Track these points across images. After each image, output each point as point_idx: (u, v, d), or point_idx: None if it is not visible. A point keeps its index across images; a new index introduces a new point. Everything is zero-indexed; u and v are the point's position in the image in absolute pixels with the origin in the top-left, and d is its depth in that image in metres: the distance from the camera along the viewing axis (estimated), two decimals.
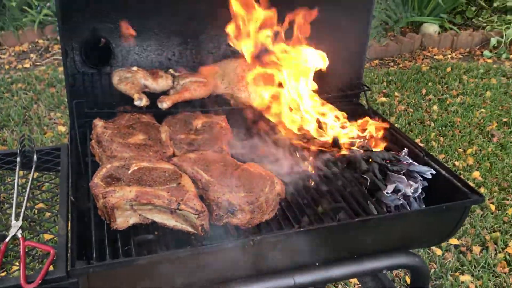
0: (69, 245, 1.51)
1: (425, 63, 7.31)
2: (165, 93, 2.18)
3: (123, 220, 1.52)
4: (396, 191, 1.82)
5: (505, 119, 5.60)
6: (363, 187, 1.83)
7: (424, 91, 6.24)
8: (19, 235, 1.53)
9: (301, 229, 1.53)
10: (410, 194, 1.82)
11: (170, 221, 1.53)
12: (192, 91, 2.07)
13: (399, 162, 1.97)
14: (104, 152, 1.76)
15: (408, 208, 1.82)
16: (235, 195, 1.54)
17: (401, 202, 1.80)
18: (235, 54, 2.50)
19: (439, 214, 1.76)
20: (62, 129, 4.97)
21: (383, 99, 5.97)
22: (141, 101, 1.96)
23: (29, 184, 1.79)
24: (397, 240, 1.80)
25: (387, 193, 1.79)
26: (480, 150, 4.97)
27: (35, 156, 1.91)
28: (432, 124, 5.45)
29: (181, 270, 1.49)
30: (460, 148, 5.00)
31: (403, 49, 7.64)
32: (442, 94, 6.22)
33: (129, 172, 1.59)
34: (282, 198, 1.67)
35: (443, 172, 1.92)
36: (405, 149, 2.06)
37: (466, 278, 3.38)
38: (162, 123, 2.01)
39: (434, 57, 7.59)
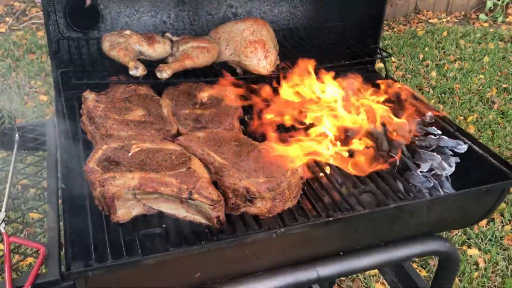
0: (61, 241, 1.30)
1: (420, 27, 7.08)
2: (163, 60, 1.94)
3: (125, 211, 1.30)
4: (428, 170, 1.64)
5: (504, 85, 5.45)
6: (391, 166, 1.64)
7: (421, 56, 6.04)
8: (2, 230, 1.31)
9: (331, 219, 1.34)
10: (444, 174, 1.63)
11: (179, 212, 1.32)
12: (194, 58, 1.83)
13: (427, 135, 1.78)
14: (98, 130, 1.53)
15: (440, 189, 1.64)
16: (253, 181, 1.33)
17: (432, 184, 1.61)
18: (237, 17, 2.26)
19: (476, 196, 1.58)
20: (44, 98, 4.66)
21: (380, 65, 5.74)
22: (138, 70, 1.72)
23: (11, 167, 1.55)
24: (428, 225, 1.63)
25: (421, 172, 1.60)
26: (481, 117, 4.82)
27: (16, 135, 1.67)
28: (431, 91, 5.27)
29: (194, 268, 1.29)
30: (460, 116, 4.84)
31: (398, 12, 7.39)
32: (440, 60, 6.03)
33: (130, 154, 1.37)
34: (304, 181, 1.47)
35: (476, 149, 1.73)
36: (429, 113, 1.85)
37: (473, 252, 3.26)
38: (162, 95, 1.76)
39: (429, 20, 7.36)
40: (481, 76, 5.64)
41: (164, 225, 1.33)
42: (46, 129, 1.77)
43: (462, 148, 1.73)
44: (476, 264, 3.17)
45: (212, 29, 2.09)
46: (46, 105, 4.54)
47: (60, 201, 1.40)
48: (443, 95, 5.21)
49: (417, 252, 1.63)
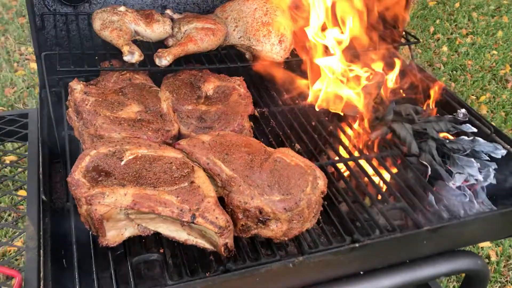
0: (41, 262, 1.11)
1: None
2: (161, 42, 1.70)
3: (116, 233, 1.10)
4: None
5: None
6: (422, 175, 1.44)
7: (432, 29, 5.75)
8: None
9: (357, 245, 1.15)
10: (481, 184, 1.44)
11: (180, 234, 1.12)
12: (198, 42, 1.59)
13: (459, 135, 1.59)
14: (86, 127, 1.31)
15: (475, 201, 1.45)
16: (268, 199, 1.12)
17: (467, 199, 1.41)
18: None
19: None
20: (36, 66, 4.39)
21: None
22: (133, 56, 1.49)
23: None
24: (460, 242, 1.45)
25: (453, 184, 1.40)
26: (494, 97, 4.60)
27: None
28: (442, 68, 5.02)
29: None
30: (472, 95, 4.62)
31: None
32: (451, 33, 5.74)
33: (123, 163, 1.16)
34: (325, 195, 1.27)
35: None
36: (462, 110, 1.66)
37: (485, 244, 3.11)
38: (161, 86, 1.54)
39: None
40: (494, 52, 5.39)
41: (161, 250, 1.14)
42: (28, 119, 1.56)
43: (500, 153, 1.53)
44: (488, 257, 3.03)
45: (218, 6, 1.85)
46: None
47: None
48: (454, 72, 4.96)
49: (445, 271, 1.45)
